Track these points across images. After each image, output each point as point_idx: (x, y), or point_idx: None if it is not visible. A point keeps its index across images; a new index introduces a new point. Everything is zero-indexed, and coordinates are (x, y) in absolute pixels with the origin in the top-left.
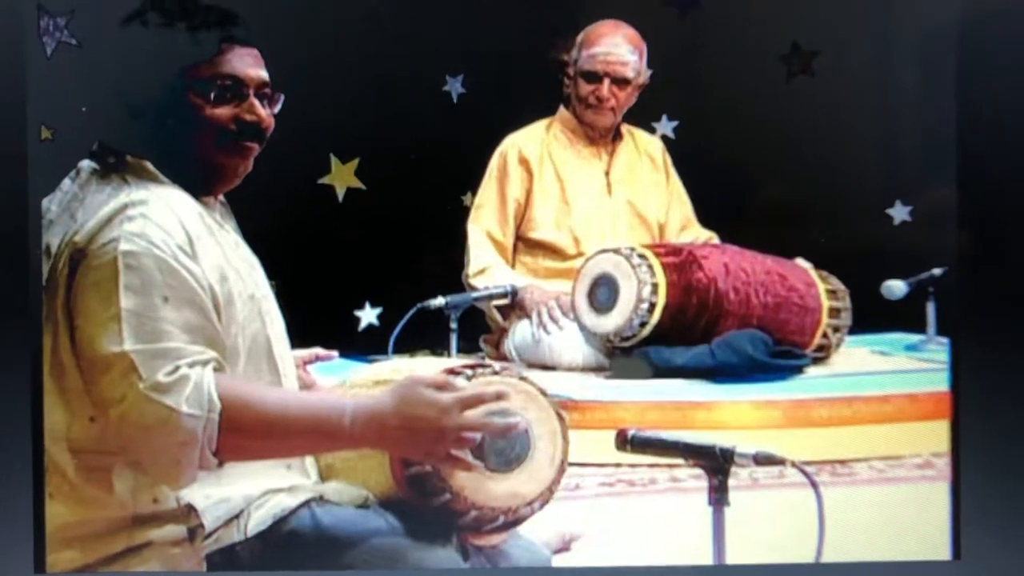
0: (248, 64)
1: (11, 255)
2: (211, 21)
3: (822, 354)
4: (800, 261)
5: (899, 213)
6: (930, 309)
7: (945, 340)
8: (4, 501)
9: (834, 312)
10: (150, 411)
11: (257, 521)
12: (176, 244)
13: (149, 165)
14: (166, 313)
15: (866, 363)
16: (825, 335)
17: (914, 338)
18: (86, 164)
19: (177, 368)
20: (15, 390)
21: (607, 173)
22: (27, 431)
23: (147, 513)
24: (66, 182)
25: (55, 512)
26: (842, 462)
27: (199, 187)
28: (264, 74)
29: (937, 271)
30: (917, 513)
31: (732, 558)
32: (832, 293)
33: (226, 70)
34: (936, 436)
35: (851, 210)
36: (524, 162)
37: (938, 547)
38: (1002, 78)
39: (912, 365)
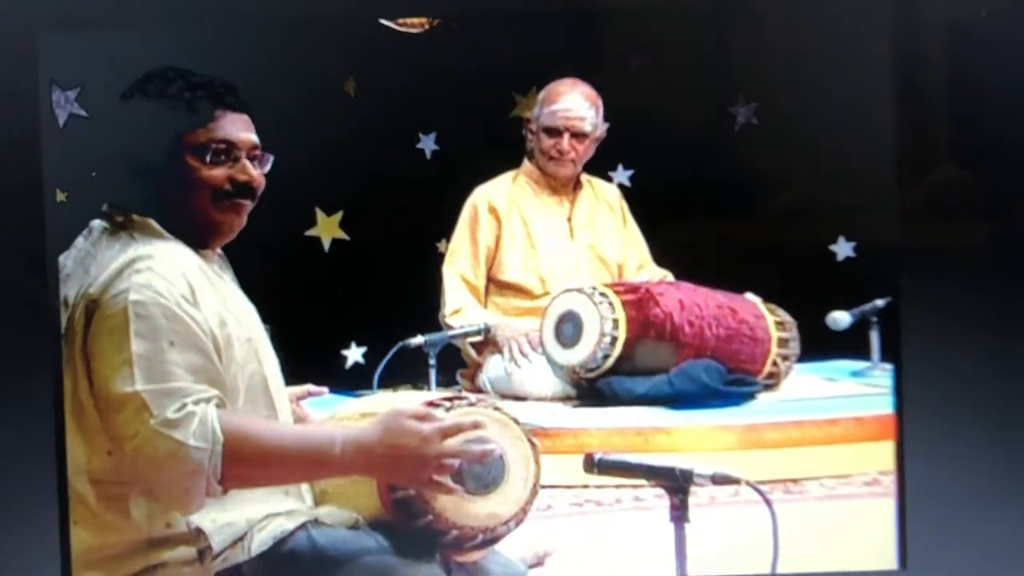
0: (240, 129)
1: (32, 308)
2: (205, 92)
3: (772, 381)
4: (749, 295)
5: (843, 249)
6: (874, 337)
7: (889, 366)
8: (33, 528)
9: (782, 342)
10: (161, 445)
11: (259, 542)
12: (180, 293)
13: (153, 223)
14: (172, 356)
15: (814, 389)
16: (775, 364)
17: (859, 365)
18: (97, 223)
19: (184, 405)
20: (40, 429)
21: (569, 219)
22: (52, 465)
23: (161, 537)
24: (80, 240)
25: (79, 537)
26: (794, 481)
27: (198, 242)
28: (255, 138)
29: (880, 302)
30: (865, 527)
31: (693, 571)
32: (780, 324)
33: (220, 135)
34: (882, 455)
35: (797, 246)
36: (493, 211)
37: (886, 558)
38: (940, 118)
39: (858, 390)
